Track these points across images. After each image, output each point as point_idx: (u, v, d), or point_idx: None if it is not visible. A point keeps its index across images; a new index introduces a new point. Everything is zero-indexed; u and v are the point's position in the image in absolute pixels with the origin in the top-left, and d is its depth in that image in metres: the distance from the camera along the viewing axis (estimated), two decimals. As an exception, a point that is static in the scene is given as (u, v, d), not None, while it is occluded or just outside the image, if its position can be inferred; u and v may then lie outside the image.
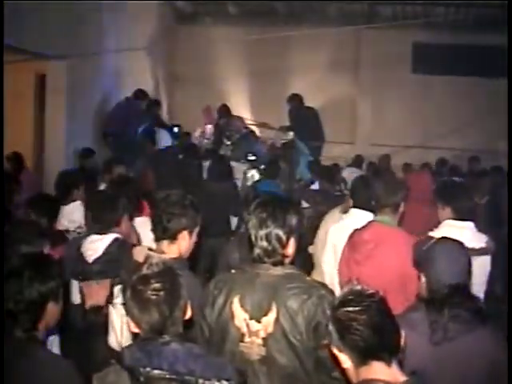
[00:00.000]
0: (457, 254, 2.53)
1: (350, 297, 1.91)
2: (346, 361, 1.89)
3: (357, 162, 8.84)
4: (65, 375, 2.14)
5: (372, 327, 1.84)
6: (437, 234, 3.69)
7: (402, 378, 1.85)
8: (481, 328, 2.36)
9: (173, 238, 2.73)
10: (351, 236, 3.61)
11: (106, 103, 8.44)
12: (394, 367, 1.86)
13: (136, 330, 1.97)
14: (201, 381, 1.86)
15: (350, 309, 1.87)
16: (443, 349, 2.32)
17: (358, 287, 1.94)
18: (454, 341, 2.31)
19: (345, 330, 1.86)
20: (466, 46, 10.42)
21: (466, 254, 2.58)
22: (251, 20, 10.70)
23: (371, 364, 1.85)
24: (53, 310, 2.26)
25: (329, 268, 4.12)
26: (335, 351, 1.91)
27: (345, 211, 4.59)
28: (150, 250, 2.79)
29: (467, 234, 3.54)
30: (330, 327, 1.91)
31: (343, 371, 1.98)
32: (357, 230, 3.59)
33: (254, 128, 9.43)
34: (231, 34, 10.36)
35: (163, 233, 2.74)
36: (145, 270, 1.95)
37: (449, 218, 3.74)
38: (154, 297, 1.90)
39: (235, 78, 10.97)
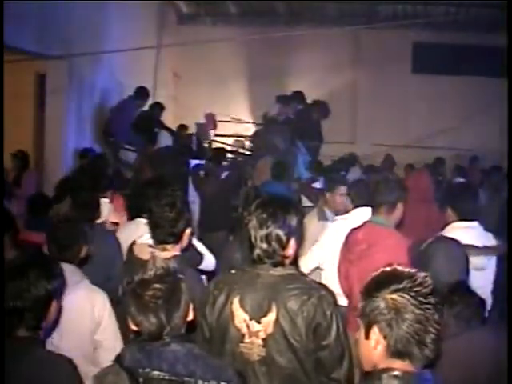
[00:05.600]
0: (454, 253, 2.54)
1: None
2: (378, 347, 1.73)
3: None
4: (65, 374, 2.14)
5: (436, 334, 1.68)
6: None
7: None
8: (482, 325, 2.35)
9: (178, 239, 2.77)
10: (347, 236, 3.63)
11: (106, 103, 8.44)
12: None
13: (135, 328, 1.96)
14: (200, 382, 1.85)
15: (426, 302, 1.69)
16: (445, 346, 2.30)
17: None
18: (455, 338, 2.31)
19: (399, 317, 1.69)
20: (466, 46, 10.41)
21: (463, 252, 2.59)
22: (251, 20, 10.70)
23: (404, 360, 1.71)
24: (55, 308, 2.28)
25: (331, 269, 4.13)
26: (377, 330, 1.72)
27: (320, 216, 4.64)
28: (151, 246, 2.79)
29: (474, 233, 3.55)
30: (384, 309, 1.71)
31: (364, 351, 1.79)
32: (353, 229, 3.61)
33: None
34: (231, 34, 10.36)
35: (168, 237, 2.76)
36: (146, 274, 1.93)
37: (454, 221, 3.72)
38: (152, 304, 1.88)
39: (235, 78, 10.97)
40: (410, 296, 1.69)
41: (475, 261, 3.43)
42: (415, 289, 1.70)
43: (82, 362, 2.56)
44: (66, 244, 2.97)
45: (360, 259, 3.44)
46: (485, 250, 3.47)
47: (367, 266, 3.30)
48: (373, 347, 1.74)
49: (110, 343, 2.85)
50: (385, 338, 1.71)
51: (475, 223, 3.68)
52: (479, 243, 3.48)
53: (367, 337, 1.75)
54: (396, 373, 1.70)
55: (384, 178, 3.65)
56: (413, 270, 1.76)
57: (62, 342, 2.78)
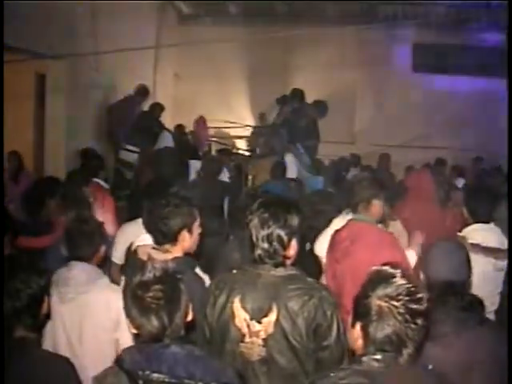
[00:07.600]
0: (452, 253, 2.55)
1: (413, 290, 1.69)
2: (359, 341, 1.77)
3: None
4: (63, 374, 2.15)
5: (413, 350, 1.69)
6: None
7: None
8: (479, 326, 2.34)
9: (174, 240, 2.73)
10: (333, 236, 3.68)
11: (106, 103, 8.44)
12: None
13: (135, 331, 1.96)
14: (200, 384, 1.85)
15: (413, 322, 1.67)
16: (440, 344, 2.29)
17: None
18: (449, 337, 2.29)
19: (379, 324, 1.70)
20: (466, 45, 10.41)
21: (463, 253, 2.59)
22: (251, 20, 10.68)
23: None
24: (47, 303, 2.30)
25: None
26: (359, 326, 1.76)
27: None
28: (155, 248, 2.79)
29: (495, 235, 3.73)
30: (371, 309, 1.71)
31: (350, 336, 1.85)
32: (337, 230, 3.66)
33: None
34: (231, 34, 10.36)
35: (163, 238, 2.74)
36: (145, 275, 1.92)
37: (472, 223, 3.83)
38: (153, 305, 1.87)
39: (235, 78, 10.97)
40: (399, 312, 1.68)
41: (499, 263, 3.62)
42: (408, 305, 1.69)
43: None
44: (81, 243, 2.97)
45: (345, 256, 3.47)
46: (505, 253, 3.62)
47: (353, 262, 3.36)
48: (355, 339, 1.79)
49: (128, 341, 2.74)
50: (364, 335, 1.74)
51: (492, 225, 3.81)
52: (503, 246, 3.66)
53: (352, 326, 1.79)
54: (377, 356, 1.73)
55: (358, 179, 3.85)
56: (414, 285, 1.72)
57: (82, 345, 2.78)
